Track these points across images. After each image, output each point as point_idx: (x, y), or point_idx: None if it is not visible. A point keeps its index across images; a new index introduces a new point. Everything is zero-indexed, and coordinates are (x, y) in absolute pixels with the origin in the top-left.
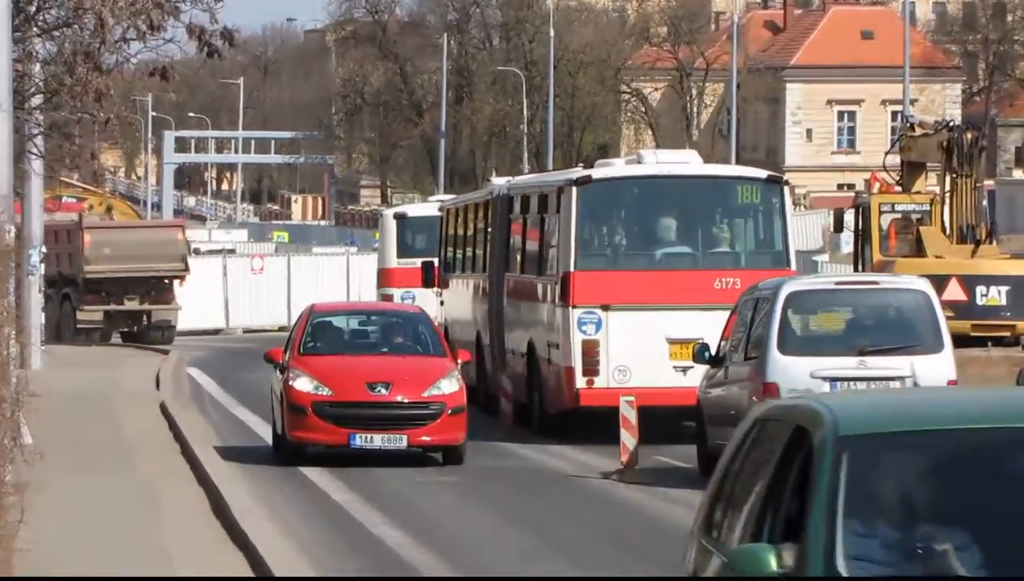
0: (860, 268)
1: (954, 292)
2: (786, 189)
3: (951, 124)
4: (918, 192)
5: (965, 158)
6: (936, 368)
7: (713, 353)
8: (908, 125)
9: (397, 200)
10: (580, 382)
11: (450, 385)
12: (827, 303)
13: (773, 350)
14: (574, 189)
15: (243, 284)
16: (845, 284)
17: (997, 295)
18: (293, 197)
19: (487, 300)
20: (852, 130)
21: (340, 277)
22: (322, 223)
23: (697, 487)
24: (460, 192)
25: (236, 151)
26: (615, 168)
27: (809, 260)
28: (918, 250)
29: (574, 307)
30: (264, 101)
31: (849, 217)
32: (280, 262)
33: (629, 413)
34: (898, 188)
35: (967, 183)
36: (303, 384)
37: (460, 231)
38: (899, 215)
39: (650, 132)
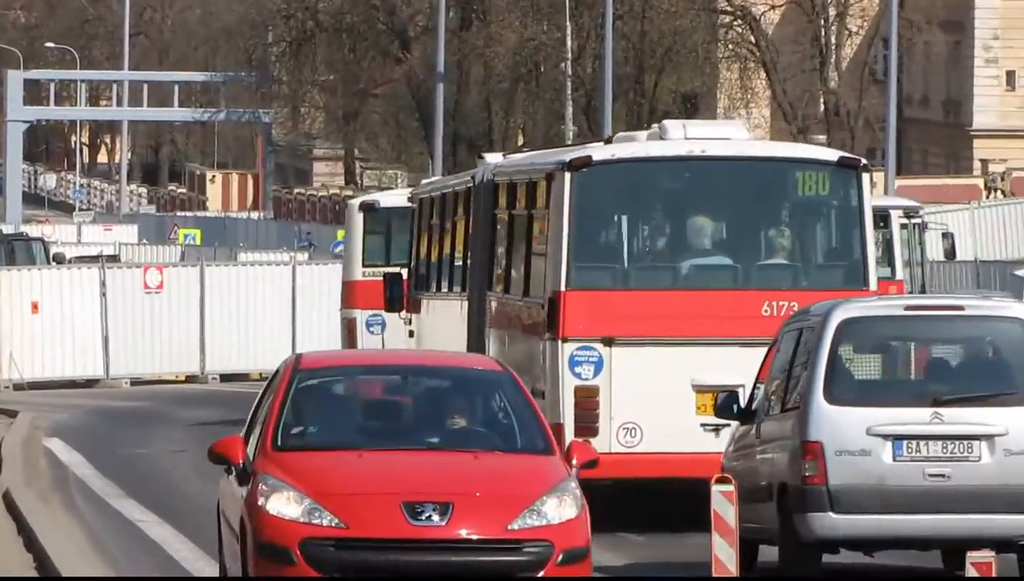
0: None
1: None
2: (866, 177)
3: None
4: None
5: None
6: None
7: (744, 404)
8: None
9: (370, 180)
10: None
11: (561, 507)
12: (893, 335)
13: (818, 398)
14: (567, 176)
15: (131, 309)
16: (917, 309)
17: None
18: (209, 175)
19: (467, 330)
20: None
21: (282, 298)
22: (254, 215)
23: None
24: (469, 167)
25: (120, 103)
26: (629, 146)
27: (1009, 274)
28: None
29: (565, 341)
30: (163, 25)
31: None
32: (188, 275)
33: (725, 510)
34: None
35: None
36: (286, 505)
37: (436, 232)
38: None
39: (763, 73)
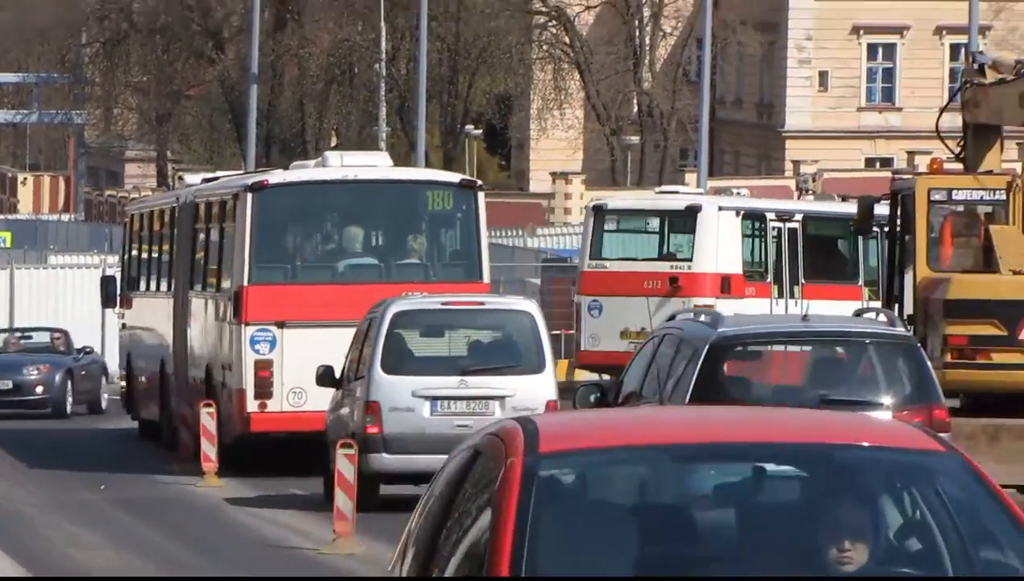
0: (891, 291)
1: None
2: (481, 195)
3: None
4: (989, 172)
5: None
6: (536, 388)
7: (338, 375)
8: (975, 66)
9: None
10: (252, 406)
11: None
12: (433, 323)
13: (377, 369)
14: (249, 196)
15: None
16: (451, 305)
17: None
18: (20, 177)
19: (171, 322)
20: (890, 74)
21: (93, 300)
22: (65, 218)
23: None
24: (284, 167)
25: None
26: (298, 172)
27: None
28: (986, 262)
29: (247, 324)
30: None
31: (883, 210)
32: None
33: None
34: (959, 165)
35: None
36: None
37: (145, 241)
38: (959, 208)
39: (577, 74)
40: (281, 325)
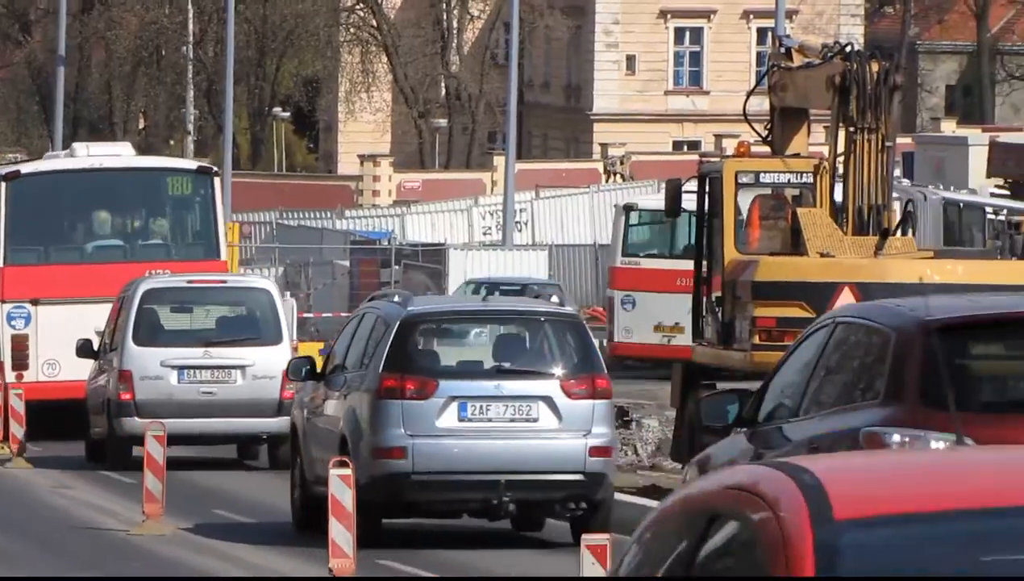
0: (700, 273)
1: None
2: (216, 180)
3: (848, 49)
4: (796, 155)
5: (868, 102)
6: (274, 358)
7: (96, 348)
8: (783, 50)
9: None
10: (9, 377)
11: None
12: (180, 299)
13: (129, 341)
14: (2, 184)
15: None
16: (196, 282)
17: None
18: None
19: None
20: (697, 58)
21: None
22: None
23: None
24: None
25: None
26: (49, 161)
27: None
28: (794, 244)
29: (3, 302)
30: None
31: (691, 194)
32: None
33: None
34: (766, 148)
35: (871, 141)
36: None
37: None
38: (767, 190)
39: (385, 57)
40: (35, 302)
